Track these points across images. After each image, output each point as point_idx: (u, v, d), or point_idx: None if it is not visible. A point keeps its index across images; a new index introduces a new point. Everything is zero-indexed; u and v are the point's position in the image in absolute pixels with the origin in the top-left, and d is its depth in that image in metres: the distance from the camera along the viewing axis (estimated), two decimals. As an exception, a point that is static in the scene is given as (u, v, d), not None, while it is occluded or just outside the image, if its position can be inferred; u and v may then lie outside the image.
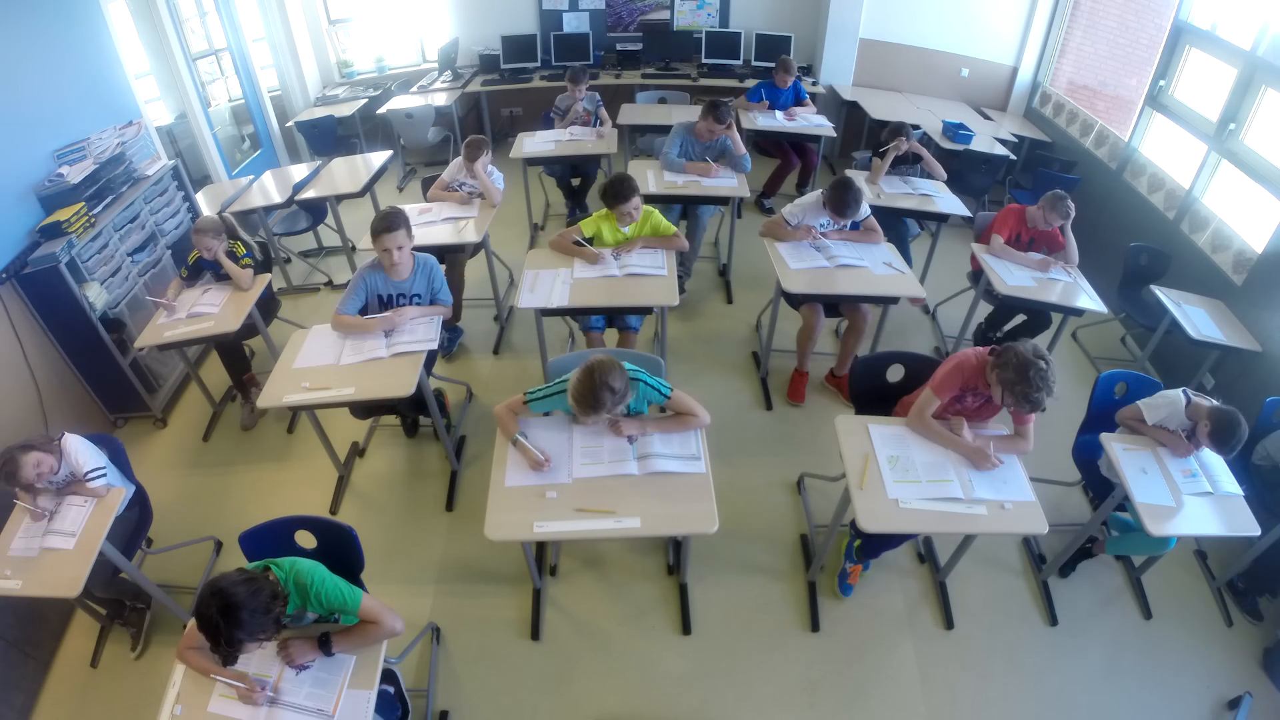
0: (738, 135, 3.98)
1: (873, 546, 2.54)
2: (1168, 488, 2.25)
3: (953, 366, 2.26)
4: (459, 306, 3.83)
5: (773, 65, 5.74)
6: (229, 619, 1.49)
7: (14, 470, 2.15)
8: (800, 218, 3.31)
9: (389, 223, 2.68)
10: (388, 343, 2.73)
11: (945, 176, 4.06)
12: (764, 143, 5.24)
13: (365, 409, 3.01)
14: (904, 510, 2.05)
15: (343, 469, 3.14)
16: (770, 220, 3.42)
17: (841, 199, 3.10)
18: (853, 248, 3.26)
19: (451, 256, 3.71)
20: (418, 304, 2.89)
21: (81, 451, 2.29)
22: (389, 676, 2.13)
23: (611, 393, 1.98)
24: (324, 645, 1.74)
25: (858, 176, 4.10)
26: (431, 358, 3.03)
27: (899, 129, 3.95)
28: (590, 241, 3.19)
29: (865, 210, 3.34)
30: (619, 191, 3.05)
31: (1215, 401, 2.31)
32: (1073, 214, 3.28)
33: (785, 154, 5.14)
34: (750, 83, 5.68)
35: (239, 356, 3.45)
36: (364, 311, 2.87)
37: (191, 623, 1.66)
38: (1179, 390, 2.39)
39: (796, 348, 3.45)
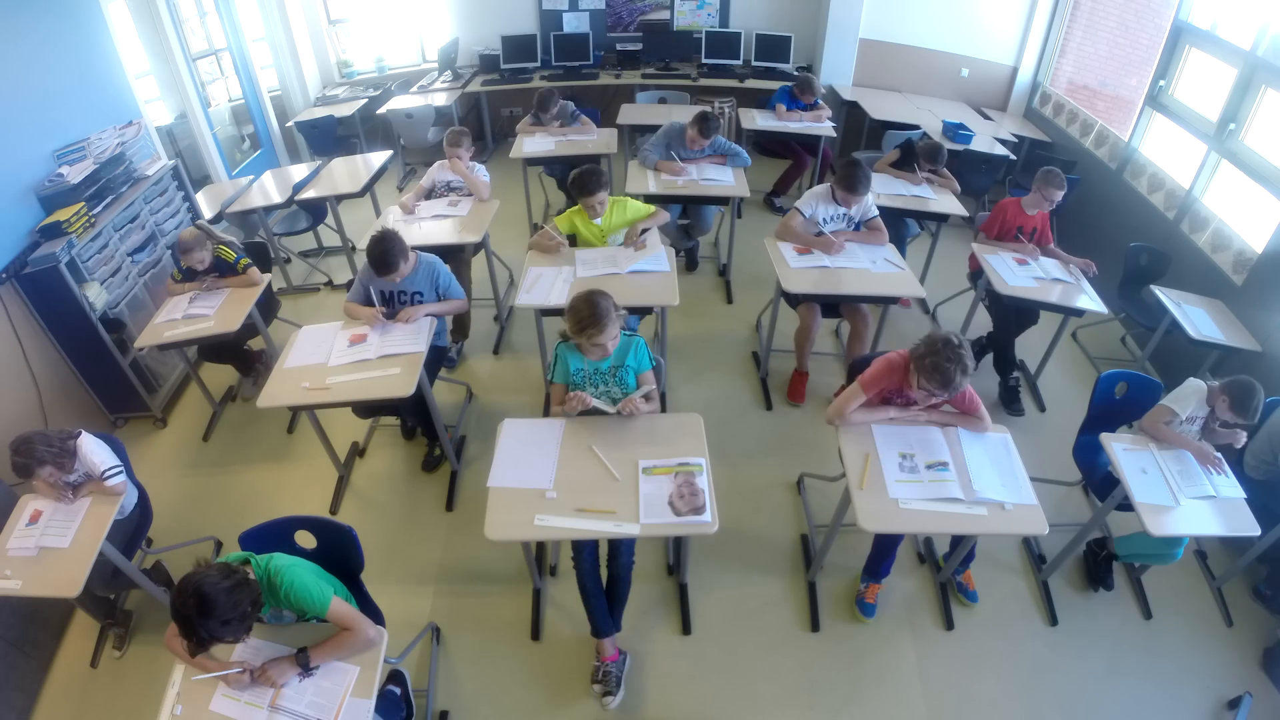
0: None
1: (878, 565, 2.55)
2: (1168, 488, 2.25)
3: (883, 364, 2.27)
4: (467, 315, 3.81)
5: (773, 66, 5.79)
6: (204, 616, 1.50)
7: (29, 474, 2.18)
8: (813, 208, 3.30)
9: (384, 265, 2.73)
10: (378, 343, 2.73)
11: (959, 190, 4.06)
12: (768, 144, 5.23)
13: (367, 409, 3.01)
14: (904, 510, 2.05)
15: (343, 469, 3.14)
16: (783, 221, 3.37)
17: (853, 175, 3.11)
18: (856, 248, 3.26)
19: (456, 257, 3.71)
20: (418, 300, 2.90)
21: (96, 451, 2.31)
22: (396, 677, 2.13)
23: (609, 313, 2.13)
24: (301, 661, 1.71)
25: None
26: (435, 363, 3.04)
27: (934, 153, 4.01)
28: (573, 239, 3.25)
29: (873, 209, 3.34)
30: (584, 184, 3.09)
31: None
32: (1065, 186, 3.34)
33: (796, 155, 5.12)
34: (750, 83, 5.69)
35: (237, 353, 3.49)
36: (367, 303, 2.94)
37: None
38: (1195, 380, 2.43)
39: (795, 348, 3.45)
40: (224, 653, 1.76)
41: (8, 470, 2.64)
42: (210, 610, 1.49)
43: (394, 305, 2.91)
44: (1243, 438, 2.38)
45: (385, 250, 2.71)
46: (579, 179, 3.11)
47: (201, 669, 1.70)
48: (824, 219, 3.31)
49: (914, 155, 4.12)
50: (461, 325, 3.83)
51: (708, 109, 3.92)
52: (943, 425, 2.29)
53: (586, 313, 2.14)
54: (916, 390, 2.15)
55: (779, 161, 5.29)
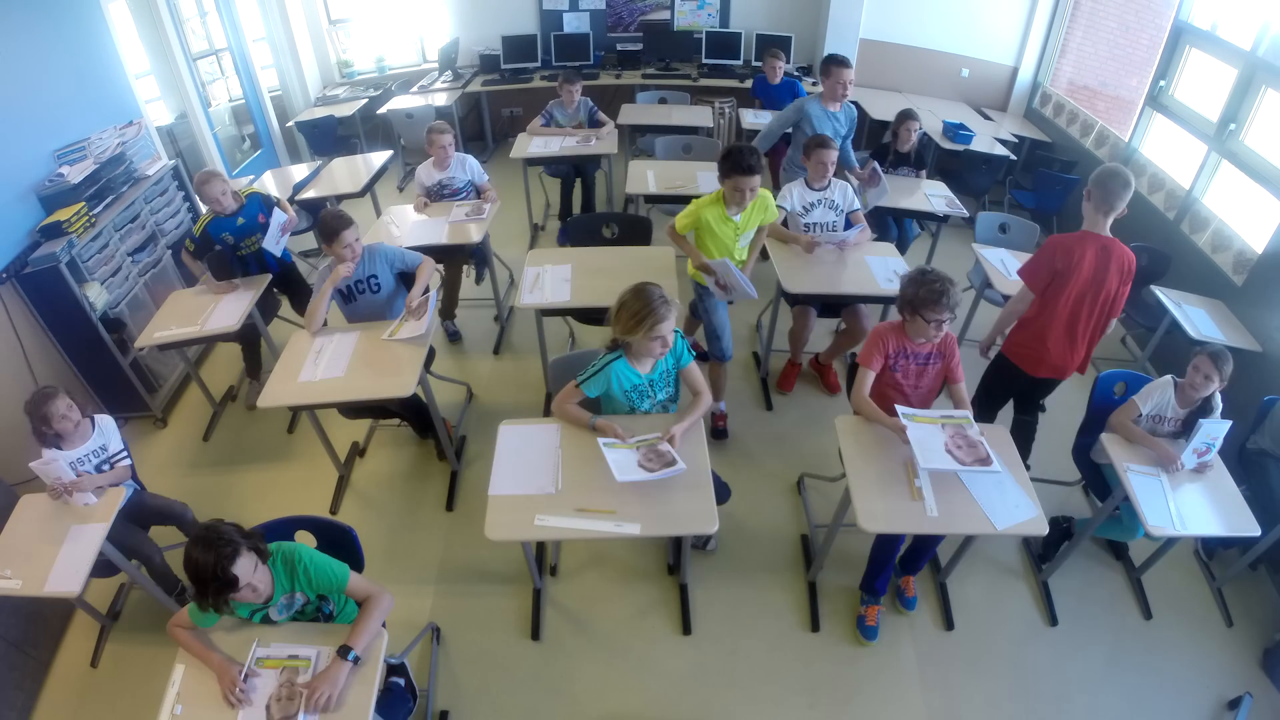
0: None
1: (875, 578, 2.51)
2: (1167, 488, 2.25)
3: (871, 336, 2.37)
4: (455, 292, 3.86)
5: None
6: (207, 548, 1.53)
7: (46, 404, 2.27)
8: (792, 201, 3.27)
9: (331, 230, 2.71)
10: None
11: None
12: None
13: (357, 410, 2.98)
14: (904, 511, 2.05)
15: (343, 469, 3.15)
16: (772, 224, 3.34)
17: (818, 141, 3.13)
18: (867, 259, 3.21)
19: (449, 259, 3.72)
20: (381, 284, 2.91)
21: (115, 431, 2.47)
22: (398, 669, 2.12)
23: (665, 300, 2.07)
24: (344, 655, 1.68)
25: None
26: (429, 356, 3.04)
27: (907, 114, 4.00)
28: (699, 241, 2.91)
29: (855, 201, 3.32)
30: (740, 162, 2.59)
31: None
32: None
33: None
34: (750, 84, 5.69)
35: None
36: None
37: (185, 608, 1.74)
38: (1167, 376, 2.44)
39: (790, 344, 3.53)
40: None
41: (8, 470, 2.66)
42: (209, 542, 1.54)
43: (355, 298, 2.90)
44: (1218, 421, 2.33)
45: (337, 214, 2.73)
46: (734, 155, 2.60)
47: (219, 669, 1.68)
48: (805, 206, 3.27)
49: (885, 159, 4.11)
50: (449, 303, 3.84)
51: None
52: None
53: (638, 306, 2.04)
54: (928, 327, 2.20)
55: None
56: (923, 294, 2.17)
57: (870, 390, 2.34)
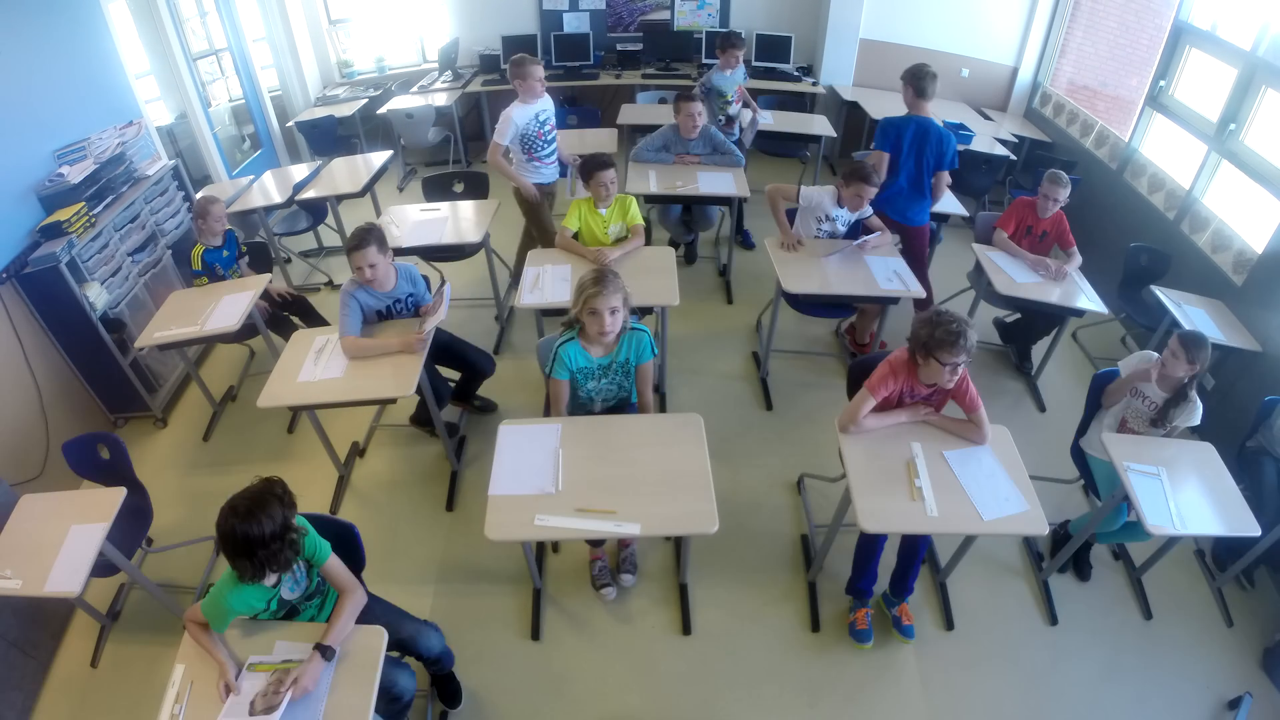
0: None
1: (859, 580, 2.49)
2: (1163, 487, 2.25)
3: (886, 367, 2.26)
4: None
5: (773, 66, 5.77)
6: (246, 520, 1.67)
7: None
8: (814, 200, 3.30)
9: (358, 240, 2.65)
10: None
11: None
12: (767, 143, 5.24)
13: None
14: (904, 511, 2.05)
15: (343, 469, 3.15)
16: (781, 187, 3.39)
17: (860, 168, 3.11)
18: (869, 260, 3.23)
19: (535, 216, 3.86)
20: (411, 303, 2.88)
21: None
22: (403, 644, 2.06)
23: (611, 281, 2.17)
24: (326, 654, 1.70)
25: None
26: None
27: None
28: (577, 235, 3.27)
29: (868, 208, 3.31)
30: (598, 160, 3.11)
31: None
32: (1068, 186, 3.34)
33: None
34: (750, 83, 5.67)
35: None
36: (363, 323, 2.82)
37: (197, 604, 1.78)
38: (1149, 351, 2.57)
39: (858, 329, 3.73)
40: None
41: (8, 470, 2.66)
42: (249, 513, 1.68)
43: (393, 317, 2.88)
44: (1195, 411, 2.42)
45: (360, 231, 2.68)
46: (591, 160, 3.14)
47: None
48: (821, 216, 3.29)
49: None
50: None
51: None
52: (945, 429, 2.30)
53: (590, 279, 2.18)
54: (942, 370, 2.09)
55: (780, 160, 5.30)
56: (939, 335, 2.05)
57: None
